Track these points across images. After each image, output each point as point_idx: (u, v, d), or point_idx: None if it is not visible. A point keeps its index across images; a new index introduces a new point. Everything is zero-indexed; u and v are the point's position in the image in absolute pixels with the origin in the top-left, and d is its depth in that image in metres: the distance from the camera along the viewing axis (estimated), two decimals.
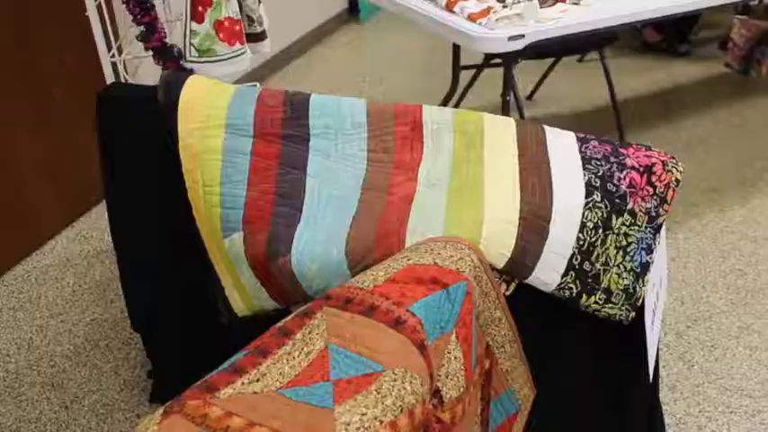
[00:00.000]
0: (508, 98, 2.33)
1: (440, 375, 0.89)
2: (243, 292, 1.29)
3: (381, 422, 0.73)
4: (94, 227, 2.49)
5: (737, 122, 3.09)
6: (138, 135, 1.46)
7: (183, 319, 1.61)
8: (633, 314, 1.20)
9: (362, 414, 0.74)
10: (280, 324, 0.92)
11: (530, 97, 3.37)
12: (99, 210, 2.58)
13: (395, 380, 0.79)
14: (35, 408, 1.82)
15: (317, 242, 1.15)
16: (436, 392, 0.88)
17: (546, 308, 1.18)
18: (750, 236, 2.42)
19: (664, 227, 1.28)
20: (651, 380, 1.39)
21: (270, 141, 1.32)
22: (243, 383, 0.83)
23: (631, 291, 1.19)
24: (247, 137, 1.31)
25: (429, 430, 0.86)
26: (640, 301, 1.21)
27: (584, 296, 1.15)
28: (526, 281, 1.11)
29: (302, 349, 0.86)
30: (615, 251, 1.17)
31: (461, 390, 0.92)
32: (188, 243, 1.37)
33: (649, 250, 1.22)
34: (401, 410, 0.76)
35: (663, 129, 3.07)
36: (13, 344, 2.01)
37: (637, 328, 1.29)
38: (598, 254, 1.15)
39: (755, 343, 2.03)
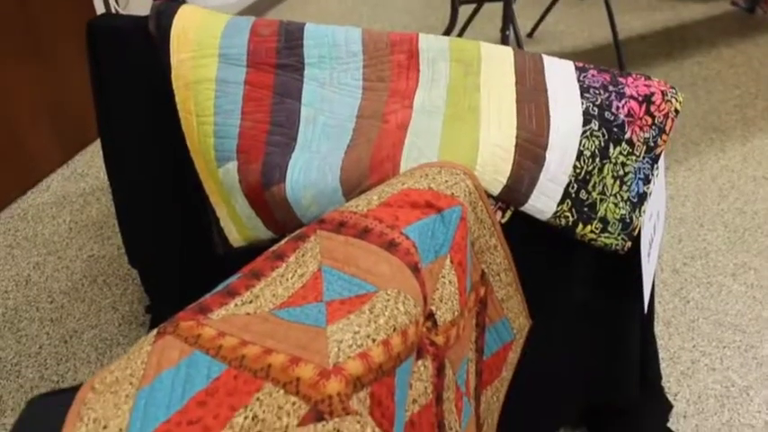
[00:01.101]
0: (507, 34, 2.29)
1: (434, 299, 0.89)
2: (238, 223, 1.28)
3: (374, 340, 0.73)
4: (90, 164, 2.48)
5: (741, 61, 3.05)
6: (131, 66, 1.43)
7: (181, 253, 1.61)
8: (629, 244, 1.20)
9: (355, 332, 0.74)
10: (273, 248, 0.92)
11: (530, 35, 3.31)
12: (94, 147, 2.56)
13: (388, 300, 0.78)
14: (35, 342, 1.84)
15: (312, 170, 1.14)
16: (430, 316, 0.88)
17: (541, 237, 1.17)
18: (750, 175, 2.41)
19: (662, 158, 1.27)
20: (646, 312, 1.39)
21: (264, 71, 1.29)
22: (236, 305, 0.83)
23: (628, 221, 1.18)
24: (241, 66, 1.29)
25: (423, 352, 0.86)
26: (637, 231, 1.20)
27: (581, 225, 1.14)
28: (522, 209, 1.10)
29: (295, 271, 0.85)
30: (612, 181, 1.16)
31: (455, 314, 0.92)
32: (184, 176, 1.36)
33: (647, 181, 1.21)
34: (394, 330, 0.76)
35: (665, 67, 3.03)
36: (12, 281, 2.02)
37: (633, 259, 1.29)
38: (595, 183, 1.14)
39: (751, 280, 2.05)
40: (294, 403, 0.67)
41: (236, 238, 1.30)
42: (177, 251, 1.61)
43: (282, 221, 1.19)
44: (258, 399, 0.68)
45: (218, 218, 1.33)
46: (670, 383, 1.77)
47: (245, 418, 0.67)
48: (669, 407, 1.69)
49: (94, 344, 1.81)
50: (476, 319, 1.07)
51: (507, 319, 1.16)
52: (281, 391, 0.68)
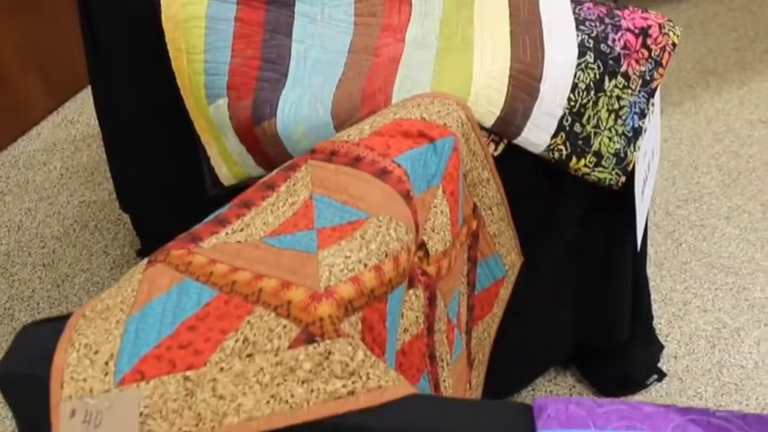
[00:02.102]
0: None
1: (425, 229, 0.89)
2: (228, 160, 1.27)
3: (366, 265, 0.73)
4: (81, 111, 2.44)
5: (740, 4, 3.00)
6: (121, 7, 1.41)
7: (172, 195, 1.60)
8: (623, 179, 1.19)
9: (346, 257, 0.73)
10: (264, 179, 0.91)
11: None
12: (85, 94, 2.53)
13: (380, 226, 0.78)
14: (28, 287, 1.84)
15: (303, 105, 1.13)
16: (422, 245, 0.88)
17: (535, 173, 1.17)
18: (746, 118, 2.39)
19: (658, 93, 1.25)
20: (639, 250, 1.39)
21: (254, 7, 1.27)
22: (227, 234, 0.82)
23: (622, 155, 1.17)
24: (231, 3, 1.26)
25: (414, 282, 0.86)
26: (631, 166, 1.19)
27: (574, 159, 1.13)
28: (515, 141, 1.08)
29: (286, 200, 0.85)
30: (607, 114, 1.15)
31: (447, 244, 0.92)
32: (175, 118, 1.34)
33: (642, 115, 1.20)
34: (386, 255, 0.75)
35: (662, 9, 2.98)
36: (3, 227, 2.01)
37: (626, 198, 1.28)
38: (589, 116, 1.13)
39: (745, 223, 2.05)
40: (285, 326, 0.67)
41: (226, 176, 1.29)
42: (168, 194, 1.60)
43: (273, 157, 1.18)
44: (249, 322, 0.68)
45: (209, 156, 1.31)
46: (661, 324, 1.78)
47: (236, 341, 0.67)
48: (660, 347, 1.70)
49: (86, 288, 1.81)
50: (467, 252, 1.06)
51: (499, 255, 1.16)
52: (272, 315, 0.68)
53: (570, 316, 1.44)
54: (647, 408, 0.62)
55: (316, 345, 0.65)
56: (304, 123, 1.11)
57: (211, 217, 0.86)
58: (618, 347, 1.56)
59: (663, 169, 2.21)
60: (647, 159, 1.38)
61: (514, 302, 1.28)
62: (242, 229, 0.82)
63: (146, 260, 0.82)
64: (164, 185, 1.60)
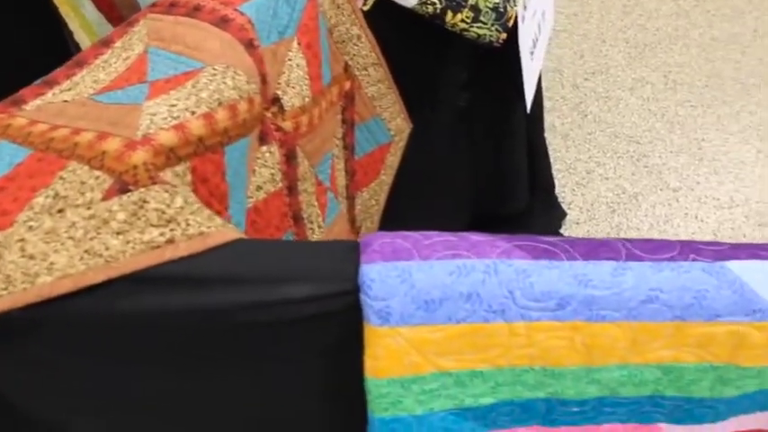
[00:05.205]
0: None
1: (279, 83, 0.83)
2: (90, 32, 1.18)
3: (193, 113, 0.68)
4: None
5: None
6: None
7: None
8: (503, 36, 1.14)
9: (171, 105, 0.68)
10: (102, 37, 0.84)
11: None
12: None
13: (214, 75, 0.72)
14: None
15: None
16: (276, 100, 0.83)
17: (413, 31, 1.11)
18: None
19: None
20: (529, 113, 1.36)
21: None
22: (53, 94, 0.75)
23: (501, 10, 1.12)
24: None
25: (268, 138, 0.81)
26: (511, 21, 1.15)
27: (450, 13, 1.08)
28: None
29: (120, 56, 0.78)
30: None
31: (306, 100, 0.87)
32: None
33: None
34: (219, 104, 0.70)
35: None
36: None
37: (516, 61, 1.25)
38: None
39: (648, 94, 2.05)
40: (98, 177, 0.62)
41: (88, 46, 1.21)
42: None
43: None
44: (61, 177, 0.63)
45: (72, 31, 1.22)
46: (565, 193, 1.80)
47: (47, 197, 0.62)
48: (563, 214, 1.72)
49: None
50: (342, 114, 1.02)
51: (381, 119, 1.12)
52: (86, 167, 0.63)
53: (465, 184, 1.42)
54: (474, 237, 0.60)
55: (129, 194, 0.60)
56: None
57: (39, 80, 0.79)
58: (518, 215, 1.56)
59: (572, 43, 2.19)
60: (536, 20, 1.33)
61: (405, 170, 1.25)
62: (70, 89, 0.75)
63: None
64: (33, 71, 1.49)
